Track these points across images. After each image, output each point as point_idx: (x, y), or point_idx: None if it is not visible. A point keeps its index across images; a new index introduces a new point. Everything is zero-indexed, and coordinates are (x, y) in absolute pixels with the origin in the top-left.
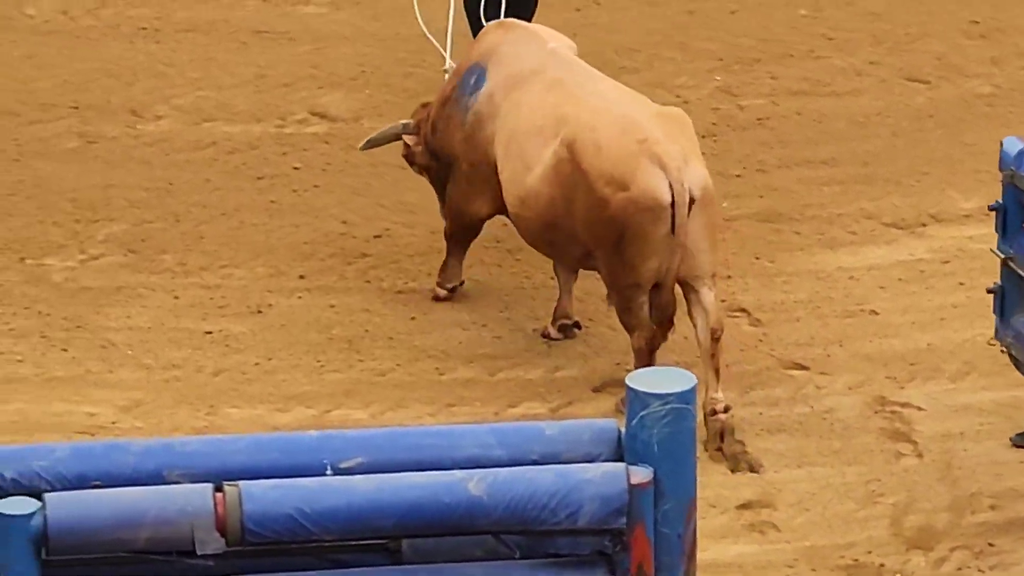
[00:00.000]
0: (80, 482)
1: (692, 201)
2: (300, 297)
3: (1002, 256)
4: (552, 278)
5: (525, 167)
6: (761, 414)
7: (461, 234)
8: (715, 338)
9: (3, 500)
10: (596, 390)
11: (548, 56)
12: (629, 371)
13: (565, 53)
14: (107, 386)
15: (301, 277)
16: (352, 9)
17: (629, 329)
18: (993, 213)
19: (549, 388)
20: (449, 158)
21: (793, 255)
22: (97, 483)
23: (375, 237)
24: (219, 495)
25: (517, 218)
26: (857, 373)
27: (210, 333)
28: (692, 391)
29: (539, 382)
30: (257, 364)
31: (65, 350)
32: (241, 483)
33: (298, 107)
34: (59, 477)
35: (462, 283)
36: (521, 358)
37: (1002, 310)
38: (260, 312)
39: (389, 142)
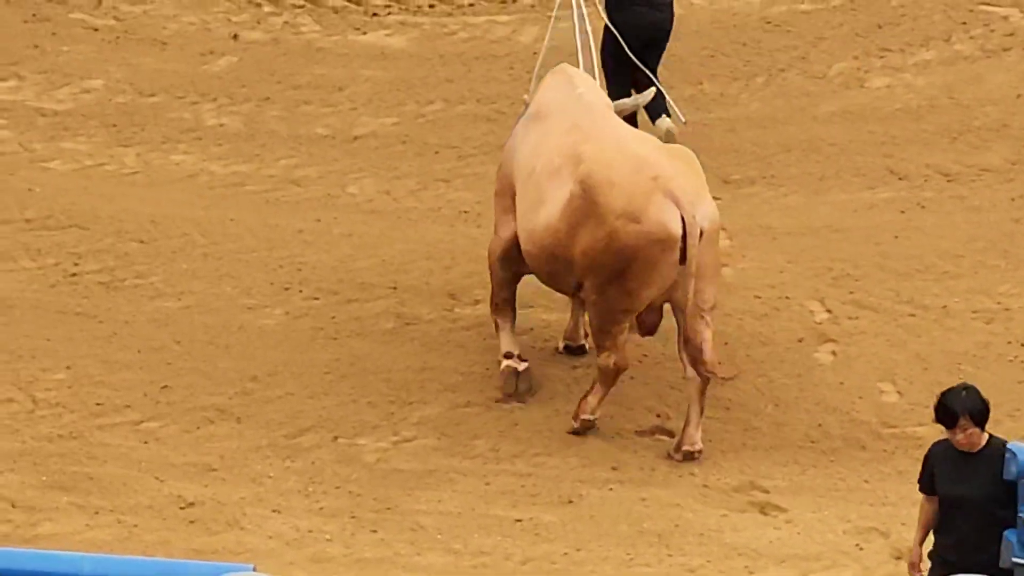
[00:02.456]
0: None
1: (701, 234)
2: (611, 489)
3: None
4: (866, 481)
5: (539, 204)
6: None
7: (499, 276)
8: (705, 375)
9: None
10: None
11: (574, 100)
12: None
13: (589, 98)
14: (415, 569)
15: (613, 468)
16: None
17: (602, 348)
18: None
19: None
20: None
21: None
22: None
23: None
24: None
25: (525, 252)
26: None
27: (520, 521)
28: None
29: None
30: (566, 554)
31: (374, 531)
32: None
33: None
34: None
35: (524, 359)
36: (831, 559)
37: None
38: (571, 502)
39: None
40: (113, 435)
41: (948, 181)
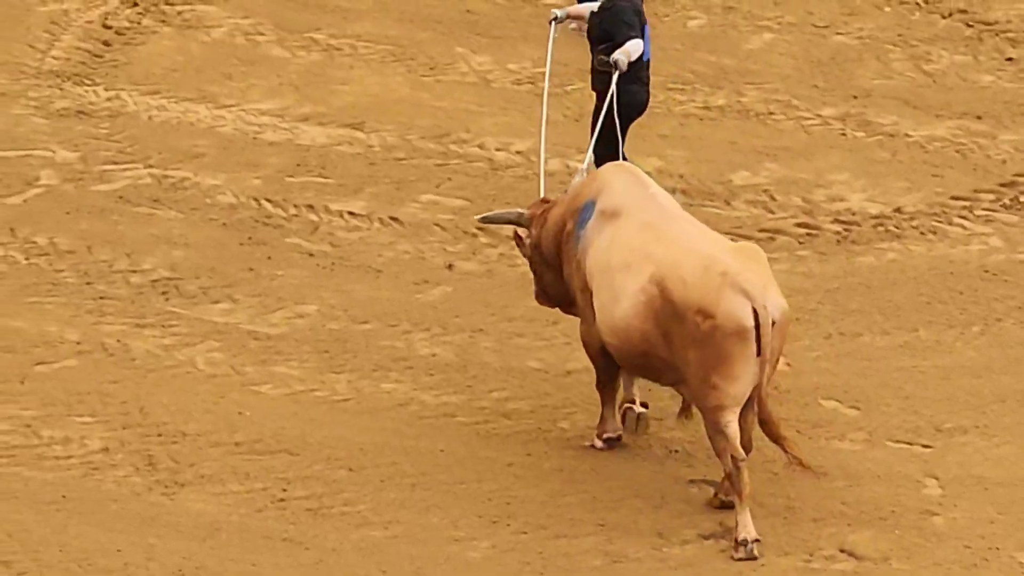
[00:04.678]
0: None
1: (772, 323)
2: None
3: None
4: None
5: (614, 300)
6: None
7: (600, 364)
8: (761, 423)
9: None
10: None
11: (647, 199)
12: None
13: (663, 196)
14: None
15: None
16: (887, 448)
17: (719, 452)
18: None
19: None
20: (549, 268)
21: None
22: None
23: None
24: None
25: (609, 345)
26: None
27: None
28: None
29: None
30: None
31: None
32: None
33: (826, 543)
34: None
35: (619, 437)
36: None
37: None
38: None
39: (505, 223)
40: None
41: None
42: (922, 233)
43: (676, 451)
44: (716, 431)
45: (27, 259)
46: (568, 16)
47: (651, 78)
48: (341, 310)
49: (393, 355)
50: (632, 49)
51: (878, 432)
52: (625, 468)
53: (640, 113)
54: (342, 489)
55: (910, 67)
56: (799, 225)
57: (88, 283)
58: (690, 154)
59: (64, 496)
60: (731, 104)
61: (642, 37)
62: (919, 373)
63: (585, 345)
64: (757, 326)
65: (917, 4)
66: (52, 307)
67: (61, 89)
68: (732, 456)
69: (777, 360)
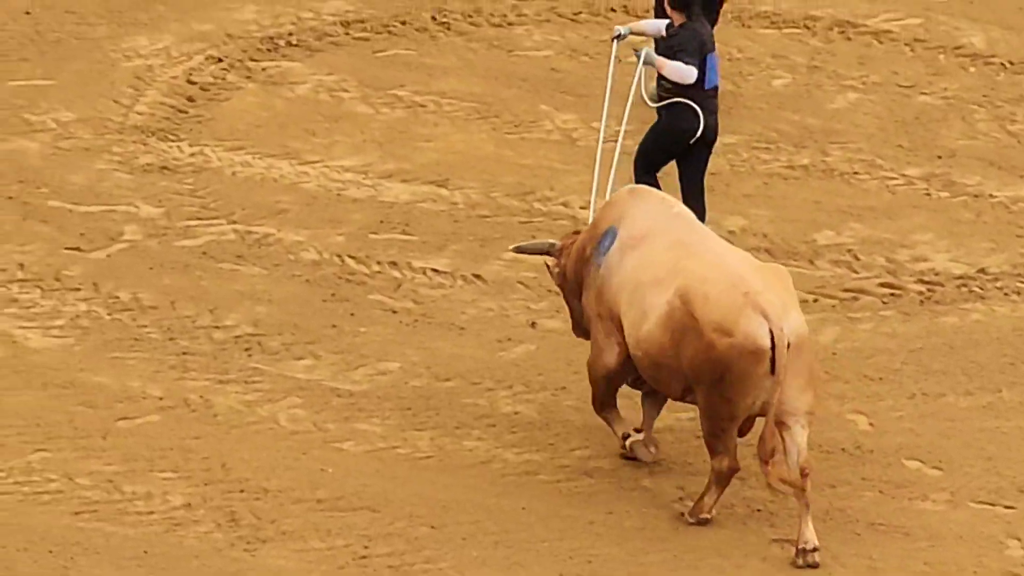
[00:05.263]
0: None
1: (789, 345)
2: None
3: None
4: None
5: (644, 314)
6: None
7: (602, 390)
8: (803, 475)
9: None
10: None
11: (673, 218)
12: None
13: (688, 216)
14: None
15: None
16: (969, 508)
17: (715, 452)
18: None
19: None
20: (577, 297)
21: None
22: None
23: None
24: None
25: (634, 357)
26: None
27: None
28: None
29: None
30: None
31: None
32: None
33: None
34: None
35: (639, 430)
36: None
37: None
38: None
39: (537, 254)
40: None
41: None
42: (1006, 294)
43: (758, 510)
44: (716, 436)
45: (110, 314)
46: (632, 32)
47: (724, 127)
48: (424, 367)
49: (476, 413)
50: (671, 68)
51: (961, 493)
52: (707, 527)
53: (690, 139)
54: (424, 546)
55: (995, 127)
56: (883, 285)
57: (171, 339)
58: (774, 213)
59: (146, 552)
60: (815, 163)
61: (699, 66)
62: (1002, 434)
63: (590, 369)
64: (772, 347)
65: (1002, 65)
66: (135, 362)
67: (145, 144)
68: (730, 467)
69: (807, 382)
